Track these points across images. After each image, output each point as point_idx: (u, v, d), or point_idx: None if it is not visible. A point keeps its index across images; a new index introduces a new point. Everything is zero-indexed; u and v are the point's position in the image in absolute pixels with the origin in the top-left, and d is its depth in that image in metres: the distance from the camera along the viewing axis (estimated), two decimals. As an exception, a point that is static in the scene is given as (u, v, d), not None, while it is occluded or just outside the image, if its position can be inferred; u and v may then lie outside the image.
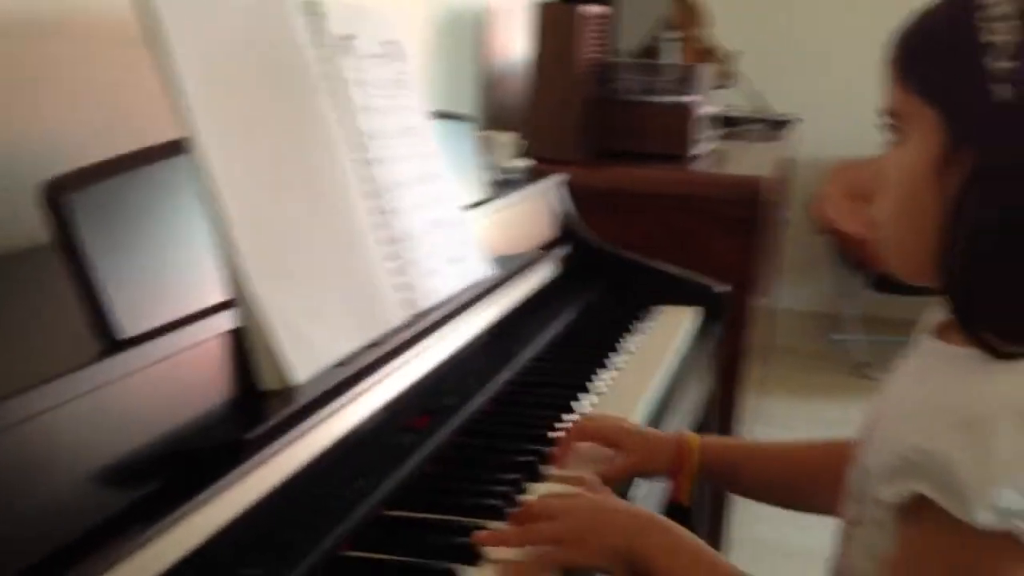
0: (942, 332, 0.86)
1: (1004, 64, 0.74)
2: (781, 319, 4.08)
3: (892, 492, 0.77)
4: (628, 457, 1.12)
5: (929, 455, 0.73)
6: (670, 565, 0.89)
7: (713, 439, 1.17)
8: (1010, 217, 0.74)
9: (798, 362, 4.08)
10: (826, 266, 4.42)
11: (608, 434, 1.14)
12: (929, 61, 0.79)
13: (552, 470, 1.08)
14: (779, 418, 3.34)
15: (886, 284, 3.96)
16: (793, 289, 4.46)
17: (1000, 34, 0.75)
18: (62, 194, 0.75)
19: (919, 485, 0.74)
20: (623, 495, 1.06)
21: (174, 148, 0.88)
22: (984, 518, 0.71)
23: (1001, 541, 0.72)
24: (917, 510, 0.76)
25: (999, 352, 0.76)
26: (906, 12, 0.82)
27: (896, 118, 0.82)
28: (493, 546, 0.91)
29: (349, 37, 1.17)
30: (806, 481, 1.10)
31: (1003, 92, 0.74)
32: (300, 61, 1.08)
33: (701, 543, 0.92)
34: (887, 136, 0.85)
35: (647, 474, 1.14)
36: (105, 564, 0.67)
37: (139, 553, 0.70)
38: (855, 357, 4.05)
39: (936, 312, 0.90)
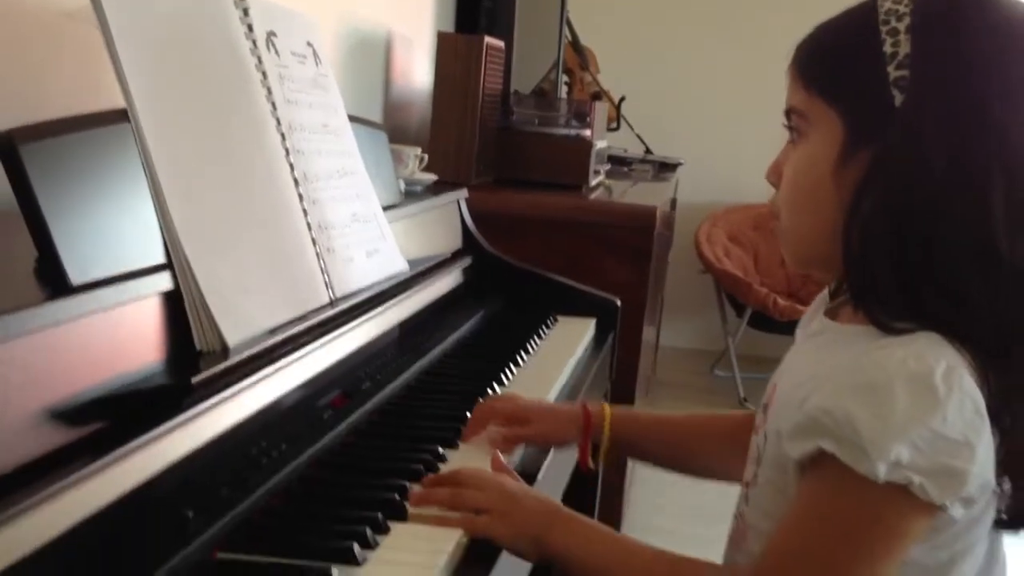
0: (834, 313, 0.96)
1: (901, 72, 0.84)
2: (665, 356, 4.21)
3: (798, 449, 0.84)
4: (536, 426, 1.17)
5: (832, 414, 0.80)
6: (584, 557, 0.93)
7: (621, 410, 1.22)
8: (899, 211, 0.83)
9: (684, 395, 4.20)
10: (708, 304, 4.59)
11: (514, 411, 1.19)
12: (836, 67, 0.89)
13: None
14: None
15: (763, 322, 4.15)
16: (676, 327, 4.62)
17: (897, 46, 0.85)
18: (14, 145, 0.78)
19: (822, 442, 0.81)
20: (533, 476, 1.11)
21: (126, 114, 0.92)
22: (883, 471, 0.78)
23: (896, 493, 0.79)
24: (819, 466, 0.82)
25: (889, 328, 0.84)
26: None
27: (798, 117, 0.91)
28: (423, 505, 0.95)
29: (272, 34, 1.22)
30: (707, 447, 1.18)
31: (899, 98, 0.84)
32: (234, 50, 1.13)
33: (608, 528, 0.97)
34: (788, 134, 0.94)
35: (555, 442, 1.19)
36: (44, 497, 0.69)
37: (74, 490, 0.72)
38: (738, 392, 4.20)
39: (825, 298, 1.00)
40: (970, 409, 0.80)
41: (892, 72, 0.84)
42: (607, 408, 1.20)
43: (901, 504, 0.80)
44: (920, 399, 0.79)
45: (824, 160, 0.88)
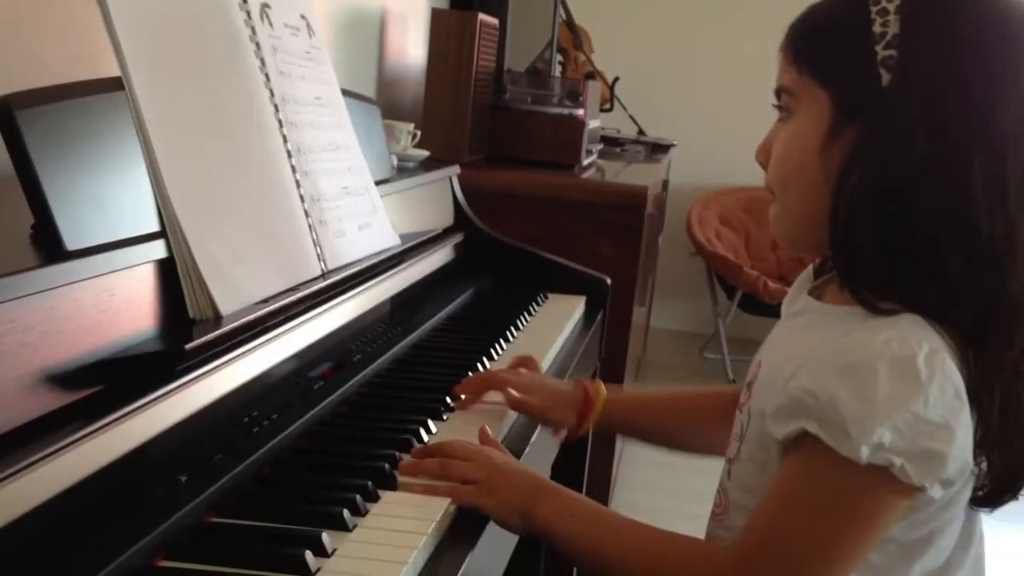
0: (818, 293, 0.97)
1: (889, 52, 0.85)
2: (656, 338, 4.23)
3: (781, 429, 0.86)
4: (537, 401, 1.19)
5: (815, 395, 0.82)
6: (569, 531, 0.95)
7: (616, 392, 1.24)
8: (885, 189, 0.84)
9: (673, 377, 4.23)
10: (699, 287, 4.60)
11: (515, 384, 1.20)
12: (826, 46, 0.90)
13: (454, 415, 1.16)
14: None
15: (753, 305, 4.17)
16: (667, 309, 4.64)
17: (887, 26, 0.85)
18: (11, 111, 0.79)
19: (805, 423, 0.82)
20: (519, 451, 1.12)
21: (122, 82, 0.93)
22: (865, 453, 0.79)
23: (877, 474, 0.80)
24: (802, 446, 0.84)
25: (874, 307, 0.85)
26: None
27: (787, 96, 0.92)
28: (412, 475, 0.96)
29: (266, 5, 1.22)
30: (695, 423, 1.20)
31: (887, 77, 0.85)
32: (228, 21, 1.13)
33: (593, 503, 0.99)
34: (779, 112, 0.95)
35: (551, 421, 1.21)
36: (39, 459, 0.71)
37: (69, 453, 0.73)
38: (727, 374, 4.23)
39: (809, 276, 1.01)
40: (951, 392, 0.81)
41: (880, 52, 0.85)
42: (602, 387, 1.22)
43: (882, 485, 0.81)
44: (903, 382, 0.80)
45: (812, 138, 0.89)
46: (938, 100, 0.84)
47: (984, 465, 0.88)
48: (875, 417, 0.79)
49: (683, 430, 1.22)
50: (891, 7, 0.86)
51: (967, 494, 0.88)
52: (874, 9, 0.86)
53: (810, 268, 1.01)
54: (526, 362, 1.30)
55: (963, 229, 0.83)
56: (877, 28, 0.86)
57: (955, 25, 0.85)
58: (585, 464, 1.84)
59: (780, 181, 0.94)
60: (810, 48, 0.91)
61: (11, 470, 0.68)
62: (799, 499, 0.85)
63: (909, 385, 0.80)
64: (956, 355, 0.83)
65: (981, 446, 0.85)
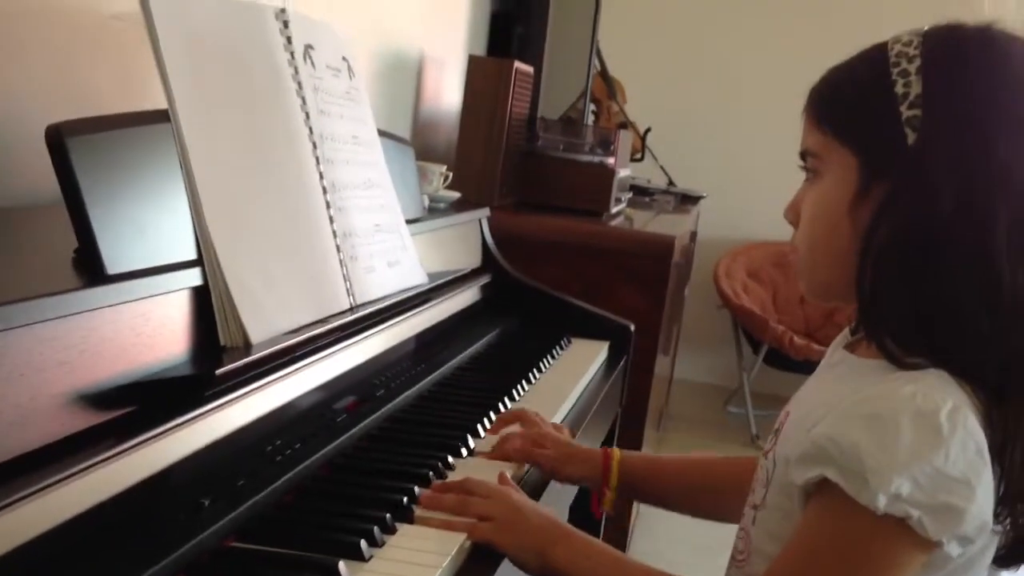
0: (853, 347, 0.98)
1: (913, 112, 0.87)
2: (679, 389, 4.21)
3: (802, 475, 0.86)
4: (549, 454, 1.19)
5: (837, 443, 0.82)
6: (586, 574, 0.95)
7: (631, 453, 1.24)
8: (910, 245, 0.86)
9: (696, 430, 4.20)
10: (724, 340, 4.59)
11: (535, 435, 1.21)
12: (849, 108, 0.91)
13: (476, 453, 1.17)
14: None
15: (778, 360, 4.15)
16: (691, 361, 4.63)
17: (908, 86, 0.87)
18: (61, 138, 0.82)
19: (826, 470, 0.83)
20: (538, 493, 1.13)
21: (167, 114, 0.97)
22: (883, 503, 0.80)
23: (894, 526, 0.81)
24: (822, 493, 0.85)
25: (902, 363, 0.86)
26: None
27: (813, 158, 0.94)
28: (431, 507, 0.98)
29: (309, 47, 1.26)
30: (717, 490, 1.19)
31: (912, 136, 0.86)
32: (272, 60, 1.17)
33: (610, 548, 0.99)
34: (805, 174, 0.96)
35: (558, 476, 1.21)
36: (70, 475, 0.73)
37: (97, 471, 0.76)
38: (750, 429, 4.20)
39: (847, 331, 1.02)
40: (972, 450, 0.81)
41: (905, 111, 0.87)
42: (618, 455, 1.22)
43: (898, 537, 0.81)
44: (924, 435, 0.80)
45: (840, 199, 0.90)
46: (962, 158, 0.85)
47: (1007, 523, 0.87)
48: (894, 467, 0.80)
49: (700, 496, 1.21)
50: (912, 68, 0.87)
51: (989, 555, 0.88)
52: (895, 71, 0.88)
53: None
54: (554, 427, 1.29)
55: (987, 284, 0.84)
56: (899, 89, 0.87)
57: (976, 83, 0.87)
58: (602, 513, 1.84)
59: (811, 241, 0.95)
60: (833, 110, 0.92)
61: (41, 485, 0.70)
62: (817, 547, 0.85)
63: (931, 438, 0.80)
64: (980, 413, 0.83)
65: (1004, 503, 0.85)
